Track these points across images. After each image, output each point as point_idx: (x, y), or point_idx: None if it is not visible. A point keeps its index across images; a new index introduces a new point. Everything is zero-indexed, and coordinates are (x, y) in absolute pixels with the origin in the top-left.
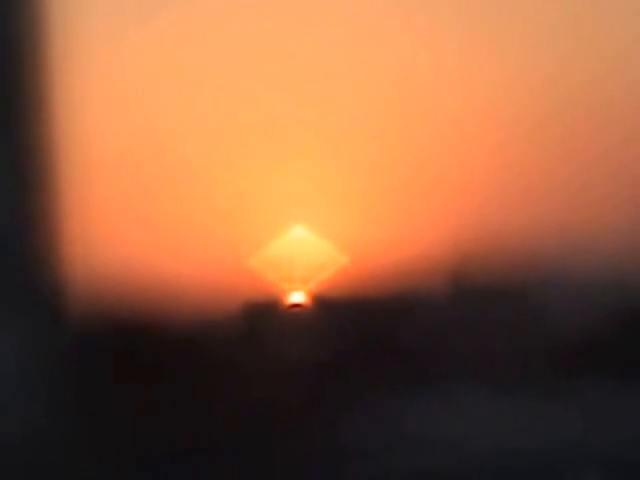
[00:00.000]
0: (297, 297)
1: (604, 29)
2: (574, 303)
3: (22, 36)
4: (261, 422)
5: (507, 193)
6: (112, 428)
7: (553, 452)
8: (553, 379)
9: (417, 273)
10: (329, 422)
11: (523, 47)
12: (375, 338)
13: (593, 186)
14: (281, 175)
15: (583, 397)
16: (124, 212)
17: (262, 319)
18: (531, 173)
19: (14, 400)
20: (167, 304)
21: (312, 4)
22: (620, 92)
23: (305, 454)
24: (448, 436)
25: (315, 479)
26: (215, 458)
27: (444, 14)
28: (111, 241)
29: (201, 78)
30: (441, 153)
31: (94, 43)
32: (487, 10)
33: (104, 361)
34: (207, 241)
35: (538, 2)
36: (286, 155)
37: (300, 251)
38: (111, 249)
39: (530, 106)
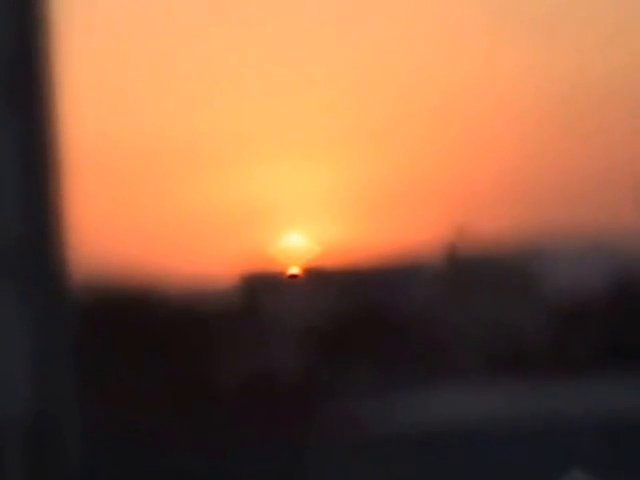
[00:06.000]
0: (294, 270)
1: (617, 31)
2: (568, 274)
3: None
4: (261, 384)
5: (503, 171)
6: (114, 395)
7: (541, 420)
8: (546, 349)
9: (412, 246)
10: (326, 384)
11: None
12: (366, 306)
13: (588, 166)
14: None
15: (576, 366)
16: (129, 202)
17: (265, 288)
18: (530, 156)
19: (23, 365)
20: (177, 278)
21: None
22: (618, 92)
23: (303, 418)
24: (441, 402)
25: (314, 443)
26: (216, 424)
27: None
28: (119, 225)
29: (200, 86)
30: (437, 143)
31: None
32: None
33: (107, 331)
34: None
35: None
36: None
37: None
38: (118, 232)
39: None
